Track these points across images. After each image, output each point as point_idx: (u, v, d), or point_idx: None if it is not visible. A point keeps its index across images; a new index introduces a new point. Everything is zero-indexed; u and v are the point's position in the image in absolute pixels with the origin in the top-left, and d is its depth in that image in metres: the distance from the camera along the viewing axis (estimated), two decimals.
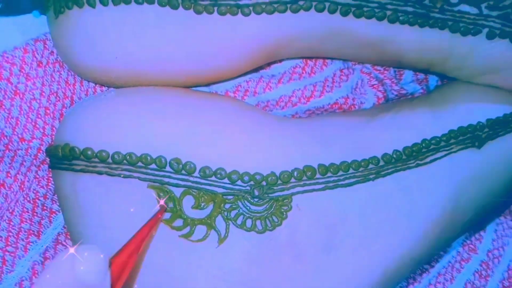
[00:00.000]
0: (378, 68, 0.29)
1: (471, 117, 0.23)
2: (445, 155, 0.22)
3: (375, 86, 0.29)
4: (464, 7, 0.21)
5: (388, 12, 0.21)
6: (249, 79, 0.28)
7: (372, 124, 0.24)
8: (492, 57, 0.22)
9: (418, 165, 0.22)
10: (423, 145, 0.22)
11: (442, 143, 0.22)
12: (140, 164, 0.21)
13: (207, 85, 0.27)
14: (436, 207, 0.22)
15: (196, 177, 0.21)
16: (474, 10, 0.21)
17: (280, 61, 0.28)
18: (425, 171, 0.22)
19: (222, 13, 0.21)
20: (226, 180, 0.21)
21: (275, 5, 0.21)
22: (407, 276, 0.27)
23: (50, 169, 0.26)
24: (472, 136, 0.23)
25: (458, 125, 0.23)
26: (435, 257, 0.29)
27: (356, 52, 0.24)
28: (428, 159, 0.22)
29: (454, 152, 0.22)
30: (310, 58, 0.28)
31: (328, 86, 0.28)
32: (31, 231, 0.26)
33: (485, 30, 0.22)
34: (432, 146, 0.22)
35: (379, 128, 0.23)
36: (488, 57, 0.22)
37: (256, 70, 0.27)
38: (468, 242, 0.30)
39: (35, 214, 0.26)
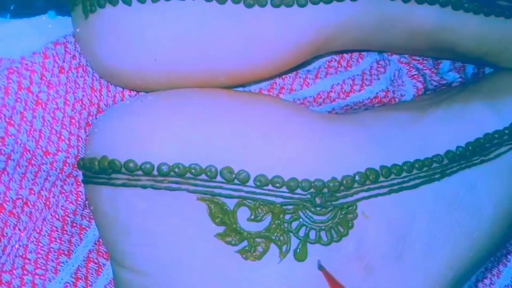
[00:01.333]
0: (416, 58, 0.28)
1: None
2: (509, 149, 0.21)
3: (415, 76, 0.28)
4: None
5: None
6: (284, 75, 0.26)
7: (426, 120, 0.22)
8: None
9: (482, 162, 0.21)
10: (487, 139, 0.21)
11: (505, 137, 0.21)
12: (188, 175, 0.19)
13: (243, 85, 0.25)
14: (503, 203, 0.21)
15: (250, 186, 0.19)
16: None
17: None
18: (490, 167, 0.21)
19: (276, 5, 0.19)
20: (284, 189, 0.19)
21: None
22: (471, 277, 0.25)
23: (79, 183, 0.24)
24: None
25: None
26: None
27: (406, 42, 0.23)
28: (492, 155, 0.21)
29: None
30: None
31: (366, 79, 0.27)
32: (61, 251, 0.24)
33: None
34: (495, 141, 0.21)
35: (435, 123, 0.22)
36: None
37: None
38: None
39: (64, 232, 0.24)
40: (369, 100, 0.27)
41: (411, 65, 0.28)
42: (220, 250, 0.20)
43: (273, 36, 0.20)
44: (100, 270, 0.25)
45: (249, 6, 0.19)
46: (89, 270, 0.25)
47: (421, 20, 0.20)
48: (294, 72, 0.26)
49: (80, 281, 0.25)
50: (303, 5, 0.19)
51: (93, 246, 0.25)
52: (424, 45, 0.23)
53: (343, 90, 0.26)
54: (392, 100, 0.27)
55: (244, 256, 0.20)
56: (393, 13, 0.20)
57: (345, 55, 0.27)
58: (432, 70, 0.28)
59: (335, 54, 0.27)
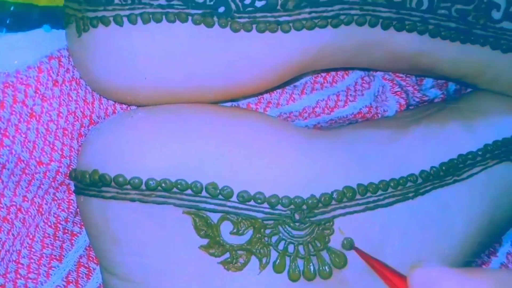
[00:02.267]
0: (400, 75, 0.29)
1: (505, 131, 0.23)
2: (482, 170, 0.22)
3: (398, 93, 0.29)
4: (506, 24, 0.21)
5: (430, 27, 0.21)
6: (272, 91, 0.27)
7: (404, 139, 0.23)
8: None
9: (455, 181, 0.22)
10: (460, 160, 0.22)
11: (478, 158, 0.22)
12: (175, 190, 0.20)
13: (232, 100, 0.26)
14: (474, 222, 0.22)
15: (234, 201, 0.21)
16: None
17: None
18: (463, 187, 0.22)
19: (261, 31, 0.20)
20: (265, 205, 0.21)
21: (316, 21, 0.20)
22: None
23: (71, 191, 0.25)
24: (506, 150, 0.23)
25: (492, 139, 0.23)
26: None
27: (388, 64, 0.24)
28: (465, 175, 0.22)
29: (490, 166, 0.22)
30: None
31: (351, 95, 0.28)
32: (53, 256, 0.25)
33: None
34: (468, 161, 0.22)
35: (413, 143, 0.23)
36: None
37: None
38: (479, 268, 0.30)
39: (56, 238, 0.25)
40: (352, 115, 0.28)
41: (395, 81, 0.29)
42: (203, 261, 0.21)
43: (258, 58, 0.21)
44: (90, 274, 0.26)
45: (235, 31, 0.20)
46: (79, 274, 0.26)
47: (400, 46, 0.21)
48: (281, 88, 0.27)
49: (71, 284, 0.26)
50: (287, 31, 0.20)
51: (83, 251, 0.26)
52: (405, 67, 0.24)
53: (328, 106, 0.27)
54: (375, 115, 0.28)
55: (226, 267, 0.21)
56: (373, 38, 0.21)
57: (331, 71, 0.28)
58: (415, 86, 0.29)
59: (321, 70, 0.28)
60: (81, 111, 0.25)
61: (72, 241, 0.26)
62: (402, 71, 0.27)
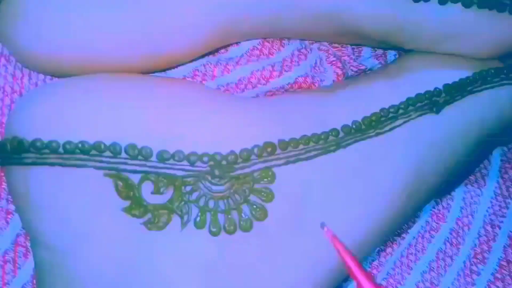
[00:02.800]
0: (336, 45, 0.29)
1: (428, 84, 0.23)
2: (404, 122, 0.22)
3: (333, 62, 0.29)
4: None
5: None
6: (206, 63, 0.27)
7: (331, 98, 0.24)
8: (446, 23, 0.23)
9: (378, 134, 0.22)
10: (382, 114, 0.22)
11: (401, 111, 0.22)
12: (94, 152, 0.20)
13: (164, 70, 0.26)
14: (399, 173, 0.22)
15: (153, 161, 0.20)
16: None
17: (237, 44, 0.27)
18: (386, 139, 0.22)
19: None
20: (184, 162, 0.20)
21: None
22: (377, 248, 0.27)
23: (0, 167, 0.24)
24: (429, 102, 0.23)
25: (415, 92, 0.23)
26: (404, 228, 0.29)
27: (313, 28, 0.24)
28: (387, 128, 0.22)
29: (413, 118, 0.22)
30: (267, 40, 0.28)
31: (286, 65, 0.28)
32: None
33: None
34: (390, 114, 0.22)
35: (338, 101, 0.23)
36: (442, 23, 0.23)
37: (213, 53, 0.27)
38: (436, 211, 0.30)
39: None
40: (289, 85, 0.28)
41: (330, 51, 0.29)
42: (126, 223, 0.21)
43: (175, 20, 0.21)
44: (28, 253, 0.26)
45: None
46: (17, 254, 0.26)
47: (317, 5, 0.22)
48: (216, 60, 0.28)
49: (8, 264, 0.26)
50: None
51: (20, 230, 0.26)
52: (332, 30, 0.24)
53: (263, 76, 0.28)
54: (312, 85, 0.28)
55: (148, 227, 0.20)
56: None
57: (266, 43, 0.28)
58: (351, 56, 0.30)
59: (257, 42, 0.28)
60: (10, 87, 0.25)
61: (8, 219, 0.26)
62: (334, 38, 0.27)
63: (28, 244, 0.26)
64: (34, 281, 0.26)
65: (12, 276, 0.26)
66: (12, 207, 0.25)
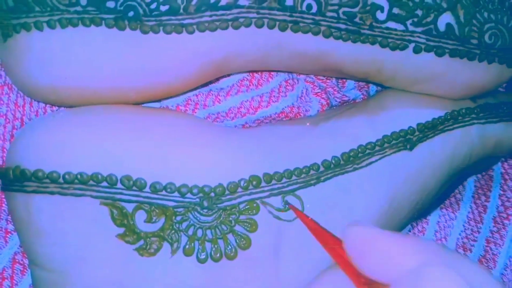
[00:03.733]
0: (321, 77, 0.31)
1: (402, 122, 0.25)
2: (380, 158, 0.24)
3: (318, 94, 0.31)
4: (392, 24, 0.23)
5: (322, 28, 0.23)
6: (198, 92, 0.29)
7: (313, 132, 0.25)
8: (421, 69, 0.24)
9: (355, 169, 0.24)
10: (359, 150, 0.24)
11: (377, 148, 0.24)
12: (91, 182, 0.22)
13: (158, 101, 0.28)
14: (374, 205, 0.24)
15: (147, 192, 0.22)
16: (400, 27, 0.23)
17: (228, 75, 0.29)
18: (362, 174, 0.24)
19: (167, 32, 0.22)
20: (176, 194, 0.22)
21: (217, 23, 0.22)
22: None
23: (2, 191, 0.26)
24: (404, 140, 0.25)
25: (391, 131, 0.25)
26: None
27: (299, 64, 0.26)
28: (364, 163, 0.24)
29: (388, 155, 0.24)
30: (257, 71, 0.30)
31: (274, 96, 0.30)
32: None
33: (412, 45, 0.24)
34: (367, 151, 0.24)
35: (320, 135, 0.25)
36: (417, 69, 0.24)
37: (205, 84, 0.29)
38: (411, 234, 0.32)
39: None
40: (276, 115, 0.30)
41: (315, 83, 0.31)
42: (120, 248, 0.22)
43: (169, 59, 0.23)
44: (25, 270, 0.27)
45: (144, 32, 0.22)
46: (14, 271, 0.27)
47: (301, 46, 0.24)
48: (208, 90, 0.29)
49: (6, 280, 0.27)
50: (191, 32, 0.22)
51: (18, 248, 0.27)
52: (316, 67, 0.26)
53: (252, 106, 0.29)
54: (298, 114, 0.30)
55: (140, 253, 0.22)
56: (274, 40, 0.23)
57: (255, 74, 0.30)
58: (335, 88, 0.31)
59: (247, 74, 0.30)
60: (12, 114, 0.26)
61: (7, 238, 0.27)
62: (319, 72, 0.29)
63: (25, 262, 0.27)
64: None
65: None
66: (10, 226, 0.27)
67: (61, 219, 0.22)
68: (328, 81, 0.31)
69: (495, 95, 0.28)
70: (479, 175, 0.34)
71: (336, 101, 0.32)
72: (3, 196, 0.26)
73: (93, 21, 0.22)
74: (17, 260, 0.27)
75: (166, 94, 0.26)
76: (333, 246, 0.17)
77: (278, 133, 0.26)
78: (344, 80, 0.32)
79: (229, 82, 0.30)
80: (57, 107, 0.27)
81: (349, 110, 0.27)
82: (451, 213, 0.33)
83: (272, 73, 0.30)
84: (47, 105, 0.27)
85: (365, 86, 0.33)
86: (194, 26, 0.22)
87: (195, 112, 0.29)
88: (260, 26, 0.22)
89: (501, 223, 0.32)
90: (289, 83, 0.30)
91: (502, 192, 0.33)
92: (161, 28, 0.22)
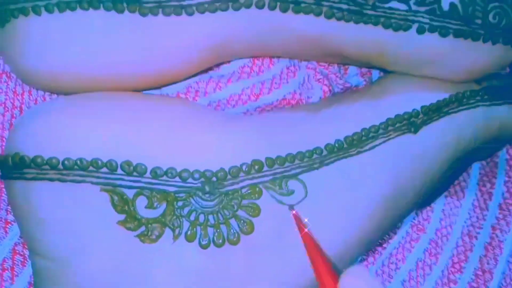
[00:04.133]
0: (323, 64, 0.31)
1: (407, 105, 0.25)
2: (384, 141, 0.24)
3: (320, 80, 0.30)
4: (395, 4, 0.23)
5: (324, 9, 0.22)
6: (199, 80, 0.28)
7: (316, 117, 0.25)
8: (424, 50, 0.24)
9: (359, 153, 0.23)
10: (363, 133, 0.24)
11: (381, 131, 0.24)
12: (91, 168, 0.22)
13: (158, 87, 0.27)
14: (379, 188, 0.24)
15: (147, 177, 0.22)
16: (403, 7, 0.23)
17: (229, 62, 0.29)
18: (366, 157, 0.23)
19: (167, 14, 0.21)
20: (177, 179, 0.22)
21: (217, 4, 0.22)
22: (357, 258, 0.28)
23: (1, 180, 0.26)
24: (408, 123, 0.24)
25: (395, 113, 0.24)
26: (385, 238, 0.30)
27: (300, 49, 0.25)
28: (367, 147, 0.24)
29: (392, 138, 0.24)
30: (258, 57, 0.29)
31: (276, 83, 0.29)
32: None
33: (415, 25, 0.23)
34: (371, 134, 0.24)
35: (323, 120, 0.25)
36: (420, 50, 0.24)
37: (205, 71, 0.28)
38: (416, 222, 0.32)
39: None
40: (278, 102, 0.29)
41: (317, 70, 0.30)
42: (121, 235, 0.22)
43: (169, 42, 0.22)
44: (26, 261, 0.27)
45: (143, 15, 0.22)
46: (15, 262, 0.27)
47: (302, 28, 0.23)
48: (209, 77, 0.29)
49: (7, 271, 0.27)
50: (191, 13, 0.22)
51: (18, 239, 0.27)
52: (317, 52, 0.26)
53: (253, 93, 0.29)
54: (299, 101, 0.30)
55: (142, 239, 0.22)
56: (276, 22, 0.23)
57: (256, 61, 0.30)
58: (337, 74, 0.31)
59: (248, 60, 0.29)
60: (11, 102, 0.26)
61: (6, 229, 0.27)
62: (320, 58, 0.28)
63: (26, 252, 0.27)
64: None
65: (10, 284, 0.27)
66: (10, 217, 0.27)
67: (61, 206, 0.22)
68: (330, 67, 0.31)
69: (499, 78, 0.28)
70: (484, 162, 0.34)
71: (338, 87, 0.31)
72: (3, 186, 0.26)
73: (91, 4, 0.22)
74: (17, 251, 0.27)
75: (166, 80, 0.26)
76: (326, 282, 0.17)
77: (280, 119, 0.25)
78: (347, 66, 0.32)
79: (230, 68, 0.29)
80: (56, 95, 0.26)
81: (352, 95, 0.27)
82: (456, 201, 0.33)
83: (273, 59, 0.30)
84: (46, 94, 0.26)
85: (368, 73, 0.32)
86: (194, 8, 0.21)
87: (196, 100, 0.28)
88: (261, 7, 0.22)
89: (506, 210, 0.32)
90: (291, 70, 0.30)
91: (507, 179, 0.33)
92: (160, 10, 0.21)
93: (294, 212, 0.22)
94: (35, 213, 0.22)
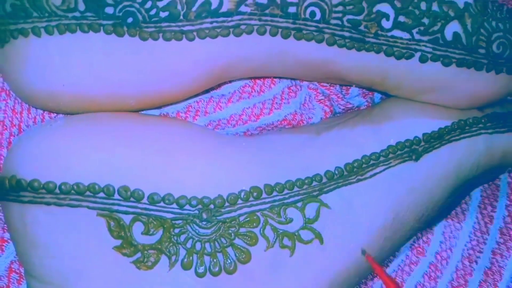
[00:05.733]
0: (325, 84, 0.30)
1: (408, 132, 0.24)
2: (384, 169, 0.24)
3: (321, 101, 0.30)
4: (397, 32, 0.22)
5: (326, 36, 0.22)
6: (199, 99, 0.28)
7: (317, 141, 0.25)
8: (427, 78, 0.24)
9: (359, 180, 0.23)
10: (363, 161, 0.23)
11: (382, 158, 0.24)
12: (88, 193, 0.21)
13: (158, 107, 0.27)
14: (378, 218, 0.23)
15: (144, 203, 0.22)
16: (406, 35, 0.23)
17: (230, 81, 0.29)
18: (366, 185, 0.23)
19: (167, 39, 0.21)
20: (174, 205, 0.22)
21: (218, 30, 0.22)
22: (358, 283, 0.28)
23: None
24: (409, 150, 0.24)
25: (396, 140, 0.24)
26: (384, 262, 0.30)
27: (302, 72, 0.25)
28: (368, 174, 0.23)
29: (393, 166, 0.24)
30: (259, 78, 0.29)
31: (276, 103, 0.29)
32: None
33: (418, 54, 0.23)
34: (371, 162, 0.23)
35: (323, 145, 0.24)
36: (423, 78, 0.24)
37: (206, 90, 0.28)
38: (416, 245, 0.31)
39: None
40: (278, 122, 0.29)
41: (319, 90, 0.30)
42: (117, 261, 0.22)
43: (169, 67, 0.22)
44: (21, 279, 0.27)
45: (143, 39, 0.21)
46: (10, 280, 0.27)
47: (304, 54, 0.23)
48: (209, 96, 0.29)
49: None
50: (191, 39, 0.21)
51: (14, 257, 0.27)
52: (319, 75, 0.26)
53: (254, 113, 0.29)
54: (300, 122, 0.30)
55: (137, 266, 0.21)
56: (277, 47, 0.23)
57: (258, 81, 0.29)
58: (338, 95, 0.31)
59: (249, 80, 0.29)
60: (9, 121, 0.26)
61: (3, 247, 0.27)
62: (322, 80, 0.28)
63: (22, 270, 0.27)
64: None
65: None
66: (7, 235, 0.26)
67: (57, 231, 0.22)
68: (331, 88, 0.31)
69: (502, 105, 0.27)
70: (486, 185, 0.34)
71: (340, 108, 0.31)
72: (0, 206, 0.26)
73: (92, 27, 0.21)
74: (13, 269, 0.27)
75: (166, 101, 0.25)
76: None
77: (280, 142, 0.25)
78: (348, 87, 0.32)
79: (231, 88, 0.29)
80: (55, 114, 0.26)
81: (353, 118, 0.26)
82: (456, 224, 0.33)
83: (274, 79, 0.29)
84: (45, 112, 0.26)
85: (370, 93, 0.32)
86: (195, 33, 0.21)
87: (196, 119, 0.28)
88: (262, 34, 0.22)
89: (507, 234, 0.32)
90: (292, 90, 0.30)
91: (509, 203, 0.33)
92: (160, 34, 0.21)
93: (368, 255, 0.22)
94: (31, 237, 0.22)
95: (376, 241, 0.23)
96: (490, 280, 0.31)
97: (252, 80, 0.29)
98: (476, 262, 0.31)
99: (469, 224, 0.32)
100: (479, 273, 0.31)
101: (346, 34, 0.22)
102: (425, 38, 0.23)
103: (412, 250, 0.32)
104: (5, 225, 0.26)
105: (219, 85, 0.29)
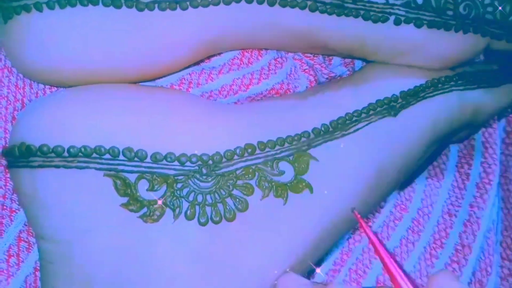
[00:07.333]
0: (308, 55, 0.32)
1: (386, 91, 0.27)
2: (366, 125, 0.26)
3: (306, 70, 0.32)
4: None
5: (309, 2, 0.24)
6: (192, 71, 0.30)
7: (303, 104, 0.27)
8: (401, 41, 0.26)
9: (343, 135, 0.25)
10: (346, 117, 0.25)
11: (363, 115, 0.26)
12: (95, 155, 0.23)
13: (152, 80, 0.29)
14: (363, 168, 0.25)
15: (148, 162, 0.23)
16: (381, 0, 0.25)
17: (220, 54, 0.30)
18: (350, 139, 0.25)
19: (162, 9, 0.23)
20: (176, 163, 0.23)
21: None
22: (345, 233, 0.30)
23: (7, 169, 0.27)
24: (388, 107, 0.26)
25: (376, 99, 0.26)
26: (369, 217, 0.32)
27: (288, 42, 0.27)
28: (351, 130, 0.25)
29: (374, 121, 0.26)
30: (247, 50, 0.31)
31: (264, 73, 0.31)
32: None
33: (392, 17, 0.25)
34: (354, 118, 0.26)
35: (310, 107, 0.26)
36: (398, 41, 0.26)
37: (197, 63, 0.30)
38: (399, 202, 0.34)
39: None
40: (267, 91, 0.31)
41: (303, 61, 0.32)
42: (124, 217, 0.23)
43: (165, 37, 0.24)
44: (31, 247, 0.28)
45: (140, 10, 0.23)
46: (20, 248, 0.28)
47: (289, 22, 0.25)
48: (201, 69, 0.30)
49: (12, 258, 0.28)
50: (185, 8, 0.23)
51: (23, 226, 0.28)
52: (304, 45, 0.28)
53: (243, 83, 0.31)
54: (287, 91, 0.31)
55: (144, 220, 0.23)
56: (264, 16, 0.24)
57: (246, 53, 0.31)
58: (322, 65, 0.33)
59: (238, 52, 0.31)
60: (13, 96, 0.27)
61: (12, 217, 0.28)
62: (306, 50, 0.30)
63: (30, 239, 0.28)
64: (36, 273, 0.28)
65: (16, 269, 0.28)
66: (15, 205, 0.28)
67: (66, 192, 0.23)
68: (315, 58, 0.33)
69: (472, 65, 0.30)
70: (462, 145, 0.36)
71: (323, 77, 0.33)
72: (7, 176, 0.27)
73: (91, 0, 0.23)
74: (22, 238, 0.28)
75: (161, 73, 0.27)
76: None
77: (270, 107, 0.27)
78: (331, 57, 0.34)
79: (221, 61, 0.31)
80: (56, 88, 0.28)
81: (336, 83, 0.29)
82: (436, 182, 0.35)
83: (261, 51, 0.31)
84: (47, 87, 0.28)
85: (351, 63, 0.34)
86: (188, 3, 0.23)
87: (189, 91, 0.30)
88: (249, 2, 0.24)
89: (483, 188, 0.34)
90: (278, 61, 0.32)
91: (483, 160, 0.35)
92: (156, 5, 0.23)
93: (356, 213, 0.24)
94: (41, 199, 0.24)
95: (362, 190, 0.26)
96: (469, 230, 0.33)
97: (241, 52, 0.31)
98: (456, 215, 0.34)
99: (448, 182, 0.35)
100: (458, 225, 0.34)
101: (327, 0, 0.24)
102: (399, 2, 0.25)
103: (395, 207, 0.34)
104: (13, 196, 0.28)
105: (209, 58, 0.30)
